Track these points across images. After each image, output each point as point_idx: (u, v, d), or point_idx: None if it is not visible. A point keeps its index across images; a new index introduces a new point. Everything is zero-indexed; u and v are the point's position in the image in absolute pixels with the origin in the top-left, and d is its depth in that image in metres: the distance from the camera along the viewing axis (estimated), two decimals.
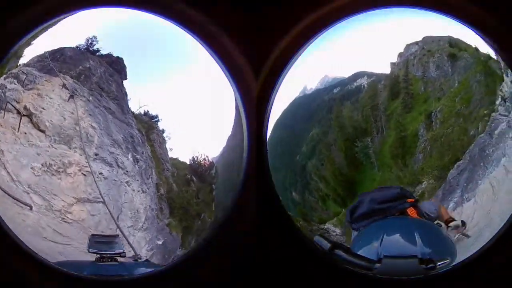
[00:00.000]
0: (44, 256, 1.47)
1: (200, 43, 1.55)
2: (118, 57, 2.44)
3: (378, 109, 2.55)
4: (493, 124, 2.10)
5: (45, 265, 1.44)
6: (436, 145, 2.33)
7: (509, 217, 1.42)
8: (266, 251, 1.50)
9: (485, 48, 2.01)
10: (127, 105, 2.56)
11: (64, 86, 2.40)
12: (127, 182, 2.42)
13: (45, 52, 2.26)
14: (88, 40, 2.32)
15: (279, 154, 1.63)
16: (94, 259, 1.73)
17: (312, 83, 2.60)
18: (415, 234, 1.50)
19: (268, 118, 1.56)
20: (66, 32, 2.08)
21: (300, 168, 2.53)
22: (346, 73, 2.63)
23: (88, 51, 2.38)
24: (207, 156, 2.37)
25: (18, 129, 2.17)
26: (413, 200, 1.73)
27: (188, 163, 2.41)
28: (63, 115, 2.34)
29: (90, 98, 2.50)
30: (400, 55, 2.54)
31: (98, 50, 2.39)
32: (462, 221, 1.72)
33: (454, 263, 1.40)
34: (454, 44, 2.44)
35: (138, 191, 2.43)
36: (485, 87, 2.29)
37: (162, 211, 2.44)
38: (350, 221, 1.78)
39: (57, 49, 2.32)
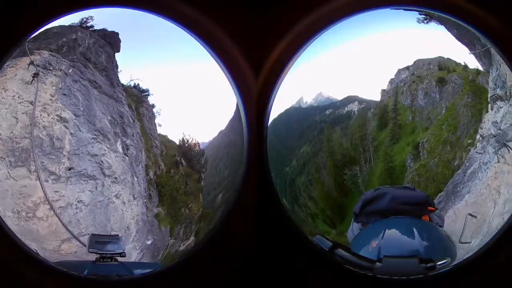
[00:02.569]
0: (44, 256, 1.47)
1: (200, 43, 1.55)
2: (113, 31, 2.11)
3: (367, 139, 2.58)
4: (467, 163, 2.22)
5: (45, 265, 1.44)
6: (422, 177, 2.37)
7: (509, 217, 1.42)
8: (266, 251, 1.50)
9: (473, 62, 2.18)
10: (117, 78, 2.20)
11: (31, 63, 1.84)
12: (116, 195, 2.01)
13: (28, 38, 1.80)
14: (83, 19, 1.97)
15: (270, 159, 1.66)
16: (94, 259, 1.73)
17: (308, 97, 2.60)
18: (415, 234, 1.50)
19: (268, 118, 1.56)
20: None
21: (290, 180, 2.52)
22: (339, 95, 2.64)
23: (81, 26, 2.03)
24: (198, 142, 2.27)
25: None
26: (434, 209, 1.68)
27: (177, 143, 2.27)
28: (16, 113, 1.74)
29: (70, 71, 2.00)
30: (391, 81, 2.58)
31: (91, 26, 2.05)
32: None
33: (454, 263, 1.40)
34: (443, 66, 2.48)
35: (129, 201, 2.06)
36: (472, 109, 2.35)
37: (151, 199, 2.19)
38: (359, 213, 1.69)
39: (44, 30, 1.86)
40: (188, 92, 2.12)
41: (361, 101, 2.62)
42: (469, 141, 2.29)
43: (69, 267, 1.49)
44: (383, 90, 2.60)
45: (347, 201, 2.34)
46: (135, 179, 2.11)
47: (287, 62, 1.54)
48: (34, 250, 1.53)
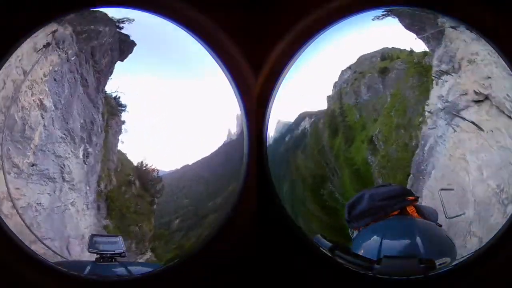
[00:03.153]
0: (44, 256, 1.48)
1: (200, 43, 1.55)
2: (133, 41, 2.04)
3: (325, 151, 2.54)
4: (423, 141, 2.28)
5: (45, 265, 1.44)
6: (386, 168, 2.39)
7: (509, 217, 1.42)
8: (266, 251, 1.50)
9: (421, 46, 2.22)
10: (105, 84, 2.12)
11: (54, 32, 1.67)
12: (71, 202, 1.90)
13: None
14: (124, 18, 1.88)
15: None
16: (94, 259, 1.73)
17: (271, 131, 2.46)
18: (415, 234, 1.50)
19: (268, 118, 1.57)
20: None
21: (289, 206, 2.47)
22: (292, 117, 2.50)
23: (116, 24, 1.94)
24: (157, 169, 2.20)
25: None
26: (414, 197, 1.69)
27: (135, 164, 2.18)
28: (7, 76, 1.53)
29: (72, 58, 1.89)
30: (334, 85, 2.52)
31: (122, 27, 1.97)
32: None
33: (454, 263, 1.40)
34: (386, 56, 2.46)
35: (83, 210, 1.96)
36: (418, 89, 2.38)
37: (99, 210, 2.11)
38: (349, 219, 1.72)
39: (92, 11, 1.81)
40: (176, 110, 2.03)
41: (310, 115, 2.54)
42: (420, 120, 2.33)
43: (69, 267, 1.49)
44: (329, 97, 2.52)
45: (340, 219, 2.33)
46: (88, 188, 2.05)
47: (287, 62, 1.54)
48: (34, 250, 1.52)
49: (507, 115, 1.99)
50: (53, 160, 1.78)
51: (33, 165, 1.66)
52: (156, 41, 1.92)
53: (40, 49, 1.65)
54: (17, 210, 1.52)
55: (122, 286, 1.52)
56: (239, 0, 1.51)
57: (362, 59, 2.51)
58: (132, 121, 2.04)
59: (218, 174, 1.97)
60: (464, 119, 2.05)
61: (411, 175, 2.25)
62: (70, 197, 1.88)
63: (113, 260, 1.73)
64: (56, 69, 1.78)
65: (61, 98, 1.82)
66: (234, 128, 1.98)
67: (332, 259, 1.43)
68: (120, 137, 2.13)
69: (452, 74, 2.15)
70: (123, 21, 1.90)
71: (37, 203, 1.68)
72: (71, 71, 1.89)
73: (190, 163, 2.09)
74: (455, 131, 2.09)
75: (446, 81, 2.18)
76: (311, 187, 2.41)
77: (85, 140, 1.98)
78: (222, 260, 1.51)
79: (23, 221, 1.52)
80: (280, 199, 1.56)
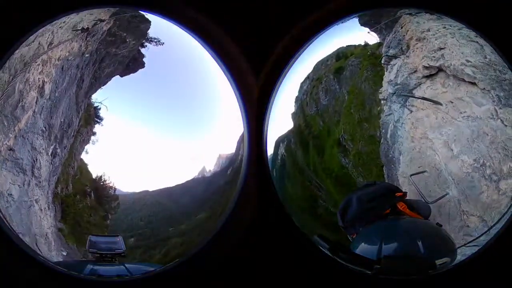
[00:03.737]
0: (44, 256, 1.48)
1: (200, 43, 1.55)
2: (144, 61, 2.01)
3: (304, 170, 2.48)
4: (383, 130, 2.26)
5: (45, 265, 1.44)
6: (360, 166, 2.35)
7: (509, 217, 1.43)
8: (266, 252, 1.50)
9: (373, 38, 2.18)
10: (93, 92, 2.06)
11: (100, 21, 1.62)
12: (36, 200, 1.82)
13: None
14: (156, 38, 1.88)
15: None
16: (94, 259, 1.73)
17: None
18: (416, 234, 1.50)
19: (268, 118, 1.57)
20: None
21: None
22: (270, 149, 2.37)
23: (144, 41, 1.91)
24: (114, 187, 2.12)
25: None
26: (402, 193, 1.67)
27: (93, 177, 2.12)
28: (37, 38, 1.41)
29: (86, 56, 1.79)
30: (296, 100, 2.45)
31: (145, 46, 1.96)
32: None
33: (454, 263, 1.40)
34: (341, 55, 2.41)
35: (44, 209, 1.91)
36: (373, 79, 2.35)
37: (55, 212, 2.06)
38: (343, 226, 1.70)
39: (141, 16, 1.74)
40: (152, 139, 1.97)
41: (283, 139, 2.47)
42: (378, 109, 2.30)
43: (69, 267, 1.49)
44: (293, 114, 2.44)
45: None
46: (49, 188, 2.00)
47: (288, 62, 1.54)
48: (34, 250, 1.53)
49: (469, 82, 1.89)
50: (29, 151, 1.68)
51: (10, 149, 1.56)
52: (166, 71, 1.89)
53: (76, 30, 1.58)
54: None
55: (122, 286, 1.53)
56: (239, 0, 1.51)
57: (318, 65, 2.44)
58: (102, 136, 2.01)
59: (180, 203, 1.97)
60: (414, 97, 2.00)
61: (384, 166, 2.23)
62: (35, 193, 1.79)
63: (113, 260, 1.73)
64: (69, 58, 1.70)
65: (57, 90, 1.73)
66: (210, 166, 1.98)
67: (332, 259, 1.43)
68: (86, 147, 2.09)
69: (400, 56, 2.11)
70: (152, 40, 1.88)
71: (8, 193, 1.59)
72: (77, 67, 1.80)
73: (150, 189, 2.08)
74: (411, 111, 2.05)
75: (395, 64, 2.15)
76: (310, 211, 2.35)
77: (58, 140, 1.91)
78: (222, 260, 1.51)
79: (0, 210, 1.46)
80: (280, 199, 1.56)
